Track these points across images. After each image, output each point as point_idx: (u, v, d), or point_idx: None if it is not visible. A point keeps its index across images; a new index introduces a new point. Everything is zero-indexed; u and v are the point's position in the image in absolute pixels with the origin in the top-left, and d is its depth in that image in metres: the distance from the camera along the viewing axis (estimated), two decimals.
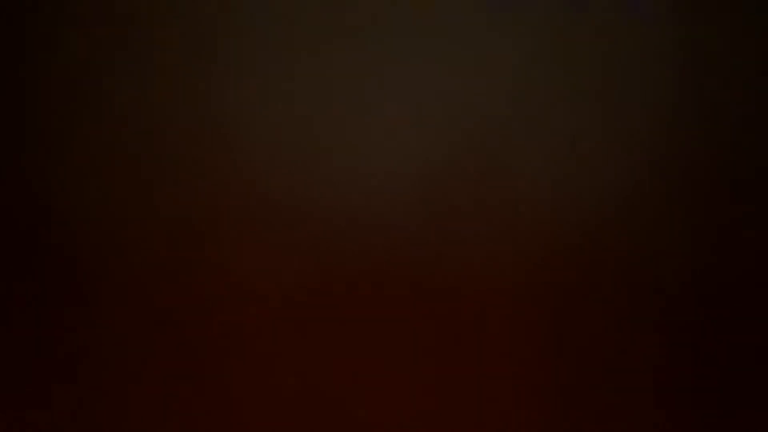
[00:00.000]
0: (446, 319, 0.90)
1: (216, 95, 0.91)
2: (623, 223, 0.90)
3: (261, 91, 0.91)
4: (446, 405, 0.90)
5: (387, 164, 0.91)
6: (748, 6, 0.91)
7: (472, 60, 0.91)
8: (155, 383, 0.91)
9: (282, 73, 0.91)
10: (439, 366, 0.90)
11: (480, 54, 0.91)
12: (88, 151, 0.92)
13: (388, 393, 0.90)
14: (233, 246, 0.91)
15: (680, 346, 0.90)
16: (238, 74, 0.91)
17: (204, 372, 0.91)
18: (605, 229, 0.90)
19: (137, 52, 0.92)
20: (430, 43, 0.91)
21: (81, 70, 0.92)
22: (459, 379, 0.90)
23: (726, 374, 0.90)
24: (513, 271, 0.90)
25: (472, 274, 0.90)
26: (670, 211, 0.90)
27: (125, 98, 0.92)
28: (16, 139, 0.92)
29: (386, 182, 0.90)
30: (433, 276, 0.90)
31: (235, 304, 0.91)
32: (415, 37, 0.91)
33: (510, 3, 0.91)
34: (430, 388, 0.90)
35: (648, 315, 0.90)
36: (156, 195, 0.91)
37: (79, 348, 0.91)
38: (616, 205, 0.90)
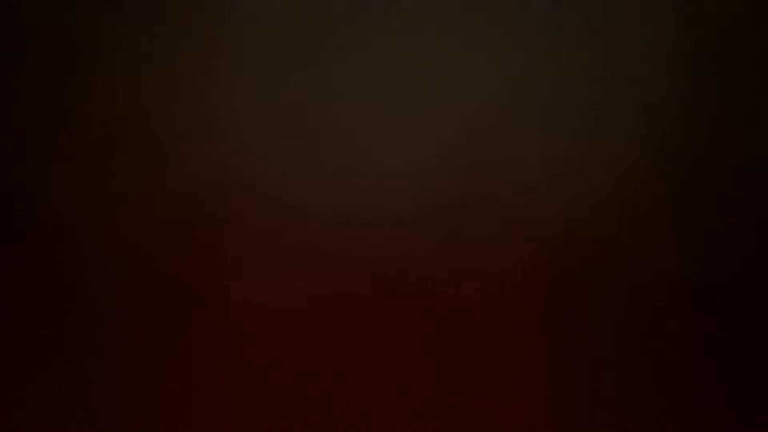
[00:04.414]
0: (449, 321, 0.90)
1: (216, 96, 0.92)
2: (626, 223, 0.90)
3: (261, 92, 0.91)
4: (449, 406, 0.90)
5: (389, 166, 0.91)
6: (750, 2, 0.92)
7: (474, 60, 0.91)
8: (153, 386, 0.91)
9: (282, 74, 0.92)
10: (443, 367, 0.90)
11: (481, 54, 0.91)
12: (85, 152, 0.92)
13: (392, 395, 0.90)
14: (233, 247, 0.91)
15: (682, 344, 0.90)
16: (238, 74, 0.92)
17: (201, 374, 0.91)
18: (608, 228, 0.90)
19: (136, 52, 0.92)
20: (431, 43, 0.91)
21: (79, 69, 0.92)
22: (463, 381, 0.90)
23: (728, 374, 0.90)
24: (515, 271, 0.90)
25: (474, 274, 0.90)
26: (673, 210, 0.91)
27: (123, 98, 0.92)
28: (14, 139, 0.92)
29: (388, 184, 0.91)
30: (435, 277, 0.90)
31: (234, 306, 0.91)
32: (415, 38, 0.92)
33: (510, 3, 0.91)
34: (434, 389, 0.90)
35: (651, 314, 0.90)
36: (155, 196, 0.91)
37: (75, 352, 0.91)
38: (619, 205, 0.90)
